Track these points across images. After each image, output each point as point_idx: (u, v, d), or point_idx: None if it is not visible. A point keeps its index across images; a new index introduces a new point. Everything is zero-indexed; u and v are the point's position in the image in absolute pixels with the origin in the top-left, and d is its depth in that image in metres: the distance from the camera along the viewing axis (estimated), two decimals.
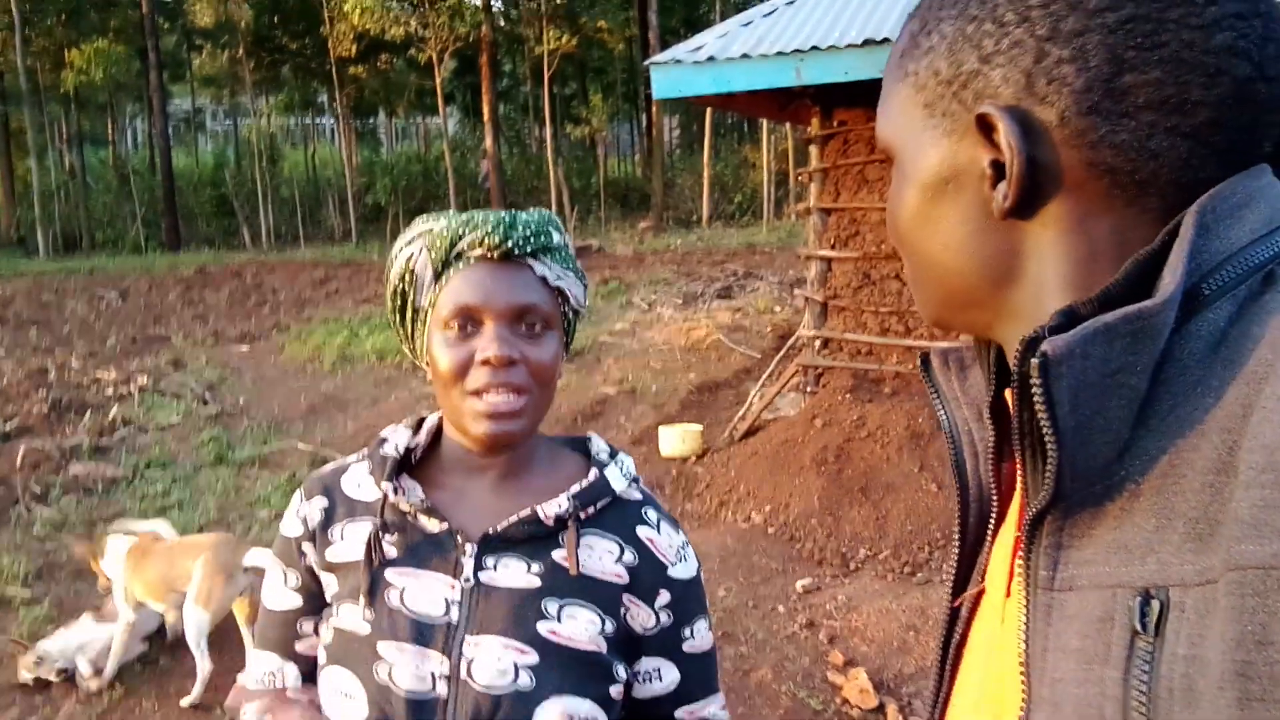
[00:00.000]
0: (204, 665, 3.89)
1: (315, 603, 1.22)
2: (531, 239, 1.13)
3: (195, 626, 3.87)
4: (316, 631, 1.22)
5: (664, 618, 1.20)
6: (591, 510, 1.18)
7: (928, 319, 0.75)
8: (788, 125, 19.04)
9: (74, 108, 24.69)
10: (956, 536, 0.78)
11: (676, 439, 6.67)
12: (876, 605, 4.48)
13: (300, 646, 1.23)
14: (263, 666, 1.24)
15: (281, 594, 1.23)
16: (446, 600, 1.14)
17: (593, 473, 1.21)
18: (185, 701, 3.87)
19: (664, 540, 1.22)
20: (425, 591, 1.14)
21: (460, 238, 1.12)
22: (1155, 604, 0.52)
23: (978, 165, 0.63)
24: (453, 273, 1.13)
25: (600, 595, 1.16)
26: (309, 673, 1.22)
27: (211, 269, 16.97)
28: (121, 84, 23.85)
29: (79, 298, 13.99)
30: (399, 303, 1.18)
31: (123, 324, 12.00)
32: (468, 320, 1.12)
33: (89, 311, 12.97)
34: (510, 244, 1.11)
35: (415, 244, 1.16)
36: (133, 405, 8.19)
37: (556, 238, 1.16)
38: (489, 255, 1.12)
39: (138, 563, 4.05)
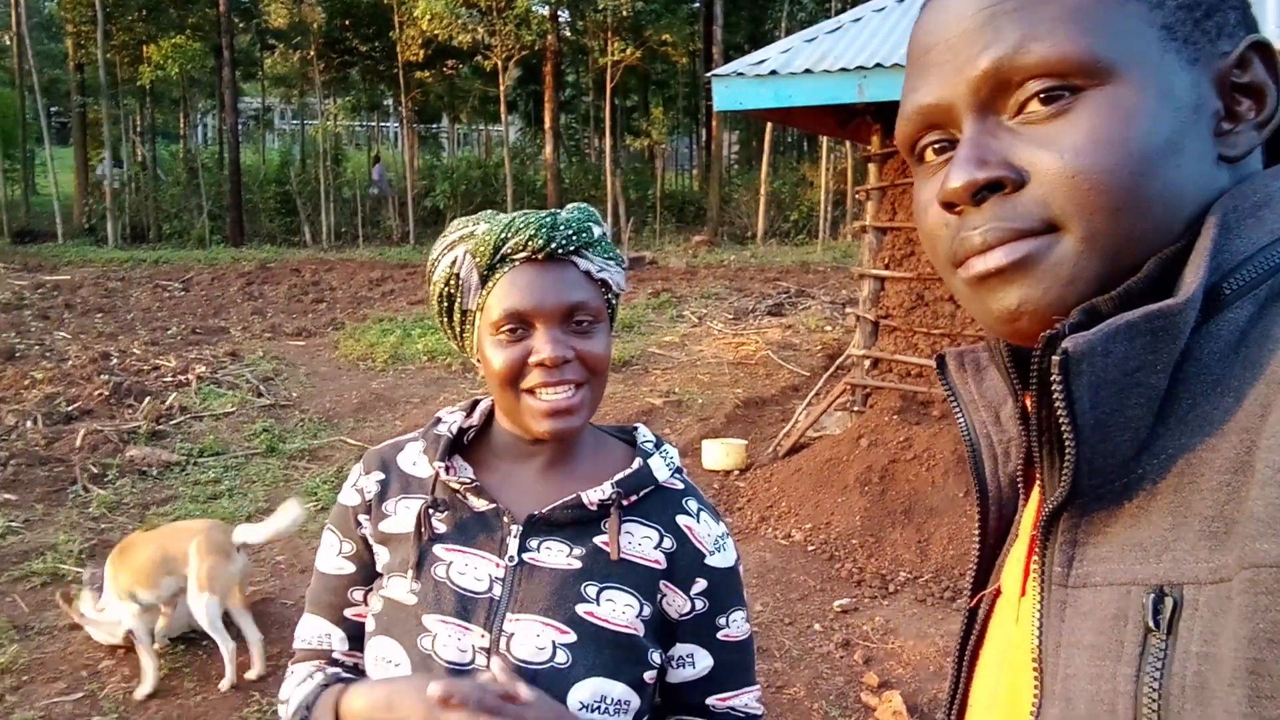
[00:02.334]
0: (226, 644, 3.94)
1: (367, 572, 1.26)
2: (574, 237, 1.15)
3: (205, 610, 3.89)
4: (366, 601, 1.27)
5: (699, 605, 1.23)
6: (634, 498, 1.21)
7: (1086, 287, 0.60)
8: (847, 145, 18.96)
9: (148, 102, 25.37)
10: (976, 538, 0.78)
11: (720, 453, 6.66)
12: (914, 629, 4.43)
13: (349, 613, 1.28)
14: (312, 630, 1.29)
15: (335, 561, 1.28)
16: (491, 577, 1.17)
17: (636, 461, 1.24)
18: (223, 684, 3.94)
19: (703, 529, 1.25)
20: (471, 567, 1.18)
21: (504, 241, 1.15)
22: (1169, 601, 0.52)
23: (1211, 100, 0.61)
24: (499, 276, 1.15)
25: (639, 580, 1.19)
26: (356, 637, 1.27)
27: (272, 265, 17.31)
28: (195, 80, 24.49)
29: (144, 287, 14.35)
30: (445, 305, 1.21)
31: (184, 314, 12.28)
32: (519, 324, 1.15)
33: (152, 301, 13.29)
34: (554, 245, 1.14)
35: (458, 248, 1.18)
36: (190, 393, 8.38)
37: (597, 231, 1.19)
38: (534, 257, 1.15)
39: (121, 555, 4.04)
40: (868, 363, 6.55)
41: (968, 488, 5.35)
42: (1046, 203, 0.60)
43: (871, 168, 6.53)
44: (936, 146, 0.67)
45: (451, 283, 1.18)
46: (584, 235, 1.16)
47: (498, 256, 1.15)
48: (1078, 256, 0.60)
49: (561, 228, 1.15)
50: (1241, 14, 0.63)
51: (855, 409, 6.59)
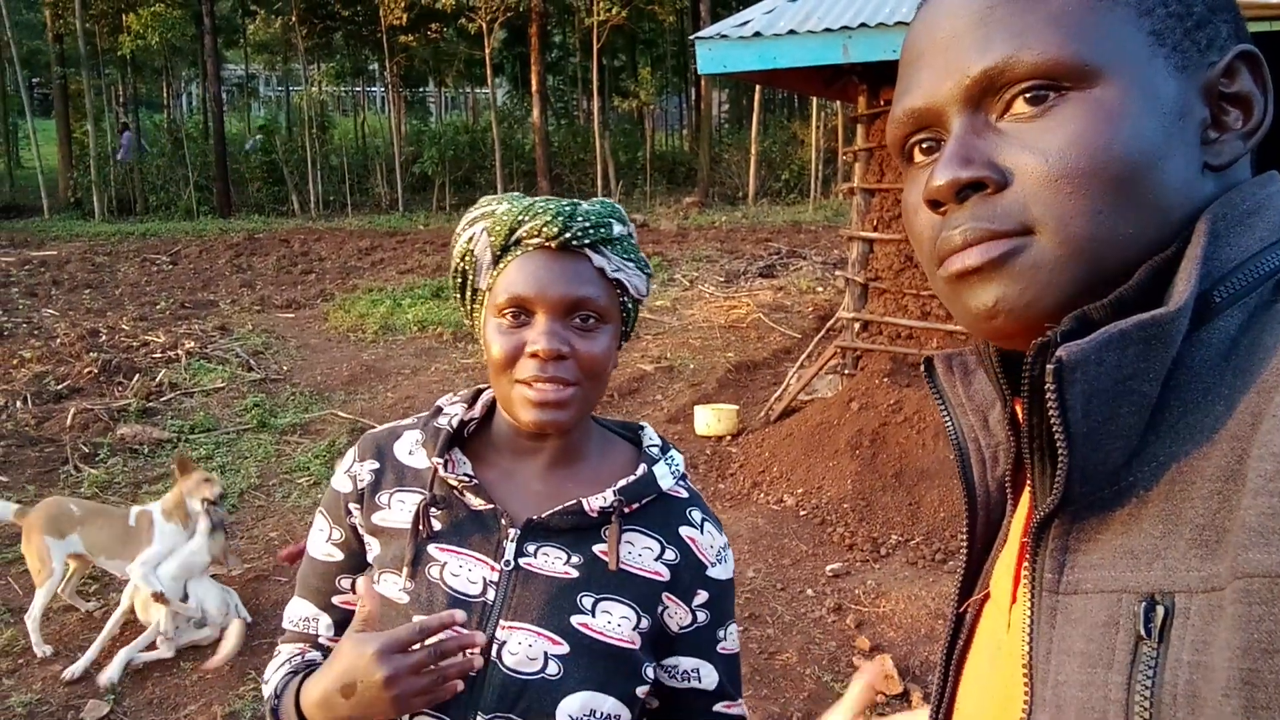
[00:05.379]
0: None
1: (355, 560, 1.24)
2: (591, 230, 1.12)
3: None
4: (354, 589, 1.25)
5: (701, 617, 1.21)
6: (636, 506, 1.19)
7: (1063, 291, 0.60)
8: (838, 102, 18.82)
9: (130, 72, 25.06)
10: (965, 543, 0.78)
11: (712, 418, 6.67)
12: (905, 592, 4.46)
13: (337, 600, 1.26)
14: (300, 612, 1.28)
15: (324, 547, 1.26)
16: (485, 580, 1.15)
17: (640, 468, 1.21)
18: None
19: (706, 540, 1.23)
20: (465, 569, 1.16)
21: (520, 224, 1.12)
22: (1160, 609, 0.52)
23: (1198, 108, 0.61)
24: (510, 259, 1.13)
25: (638, 591, 1.17)
26: (342, 623, 1.25)
27: (260, 235, 17.20)
28: (177, 48, 24.15)
29: (131, 261, 14.25)
30: (460, 280, 1.19)
31: (172, 288, 12.21)
32: (520, 310, 1.12)
33: (141, 275, 13.21)
34: (569, 235, 1.11)
35: (477, 225, 1.16)
36: (180, 369, 8.35)
37: (618, 229, 1.15)
38: (547, 245, 1.11)
39: None
40: (857, 325, 6.54)
41: None
42: (1026, 205, 0.60)
43: (859, 128, 6.47)
44: (925, 146, 0.68)
45: (467, 259, 1.16)
46: (602, 230, 1.13)
47: (512, 239, 1.12)
48: (1055, 260, 0.60)
49: (579, 219, 1.12)
50: (1233, 27, 0.63)
51: (846, 372, 6.58)
